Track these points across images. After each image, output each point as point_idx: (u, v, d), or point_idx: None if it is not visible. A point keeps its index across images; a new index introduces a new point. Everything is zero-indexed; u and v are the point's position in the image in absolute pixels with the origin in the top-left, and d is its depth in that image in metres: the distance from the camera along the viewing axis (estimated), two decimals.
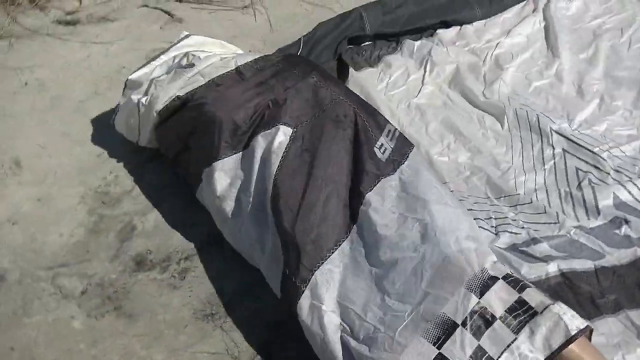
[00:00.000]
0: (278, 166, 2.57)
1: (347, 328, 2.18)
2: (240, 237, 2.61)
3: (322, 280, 2.29)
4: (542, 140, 3.08)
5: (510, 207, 2.78)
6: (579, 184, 2.85)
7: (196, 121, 2.83)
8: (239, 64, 3.02)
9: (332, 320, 2.21)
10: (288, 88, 2.84)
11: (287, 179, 2.53)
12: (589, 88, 3.43)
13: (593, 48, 3.73)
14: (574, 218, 2.70)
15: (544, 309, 1.99)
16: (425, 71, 3.54)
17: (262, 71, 2.99)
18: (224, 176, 2.71)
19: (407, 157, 2.59)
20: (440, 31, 3.84)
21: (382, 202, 2.44)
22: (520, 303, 2.02)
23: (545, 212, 2.72)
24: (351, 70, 3.50)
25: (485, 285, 2.06)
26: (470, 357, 1.97)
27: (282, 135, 2.66)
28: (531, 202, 2.77)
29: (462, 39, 3.81)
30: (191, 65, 3.07)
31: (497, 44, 3.75)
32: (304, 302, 2.26)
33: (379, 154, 2.59)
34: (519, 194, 2.83)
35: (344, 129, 2.66)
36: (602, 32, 3.86)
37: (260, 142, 2.68)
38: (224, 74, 2.97)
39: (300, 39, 3.62)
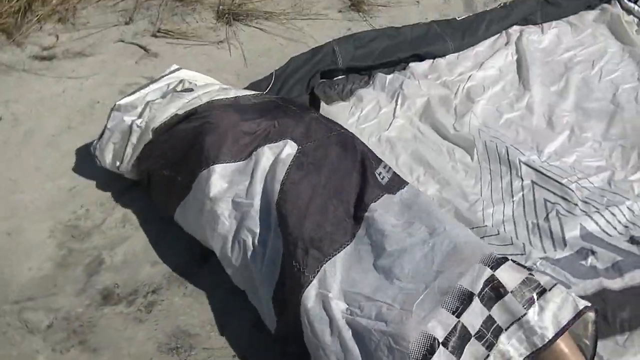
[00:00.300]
0: (285, 173, 2.62)
1: (356, 310, 2.20)
2: (235, 238, 2.59)
3: (330, 273, 2.33)
4: (511, 173, 3.10)
5: None
6: (547, 215, 2.87)
7: (199, 129, 2.85)
8: (238, 94, 3.10)
9: (339, 307, 2.23)
10: (290, 117, 2.91)
11: (295, 185, 2.58)
12: (559, 120, 3.46)
13: (564, 80, 3.77)
14: (541, 249, 2.71)
15: (552, 286, 2.09)
16: (396, 104, 3.55)
17: (261, 104, 3.06)
18: (221, 180, 2.71)
19: (404, 186, 2.65)
20: (412, 64, 3.86)
21: (386, 211, 2.51)
22: (530, 280, 2.10)
23: (512, 244, 2.72)
24: (322, 104, 3.51)
25: (497, 262, 2.15)
26: (481, 325, 2.04)
27: (290, 148, 2.74)
28: (498, 234, 2.78)
29: (435, 72, 3.84)
30: (189, 90, 3.11)
31: (469, 76, 3.79)
32: (311, 292, 2.29)
33: (378, 179, 2.66)
34: (486, 225, 2.83)
35: (347, 152, 2.74)
36: (574, 64, 3.91)
37: (266, 152, 2.74)
38: (224, 98, 3.03)
39: (272, 73, 3.65)
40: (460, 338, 2.02)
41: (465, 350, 2.02)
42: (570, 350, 2.08)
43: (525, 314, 2.04)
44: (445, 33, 4.01)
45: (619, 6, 4.41)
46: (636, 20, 4.34)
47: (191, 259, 2.83)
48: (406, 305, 2.11)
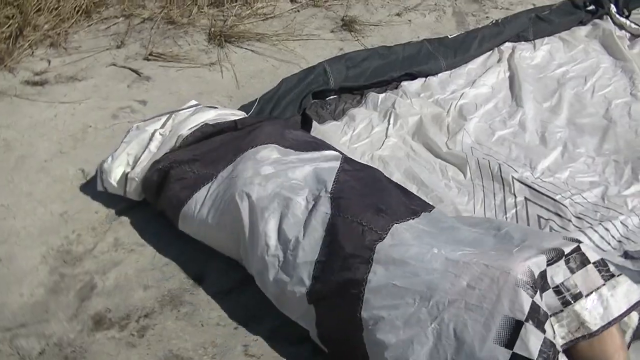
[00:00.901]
0: (340, 165, 2.73)
1: (445, 247, 2.24)
2: (272, 203, 2.59)
3: (402, 230, 2.38)
4: (504, 189, 3.09)
5: None
6: None
7: (245, 132, 2.97)
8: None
9: (422, 242, 2.30)
10: None
11: (349, 174, 2.68)
12: (552, 136, 3.46)
13: (557, 96, 3.77)
14: None
15: (619, 274, 2.20)
16: (388, 123, 3.55)
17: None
18: (270, 152, 2.81)
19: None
20: (405, 83, 3.86)
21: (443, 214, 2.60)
22: (604, 262, 2.21)
23: None
24: (315, 123, 3.50)
25: (577, 240, 2.24)
26: (562, 283, 2.13)
27: (335, 152, 2.88)
28: None
29: (427, 90, 3.84)
30: (214, 107, 3.19)
31: (462, 94, 3.79)
32: (385, 243, 2.33)
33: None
34: None
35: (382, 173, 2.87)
36: (566, 80, 3.92)
37: (314, 154, 2.84)
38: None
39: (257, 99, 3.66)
40: (542, 283, 2.08)
41: (542, 296, 2.07)
42: (621, 336, 2.16)
43: (603, 285, 2.13)
44: (437, 51, 4.02)
45: (610, 21, 4.43)
46: (628, 35, 4.36)
47: (184, 282, 2.81)
48: (501, 252, 2.17)
